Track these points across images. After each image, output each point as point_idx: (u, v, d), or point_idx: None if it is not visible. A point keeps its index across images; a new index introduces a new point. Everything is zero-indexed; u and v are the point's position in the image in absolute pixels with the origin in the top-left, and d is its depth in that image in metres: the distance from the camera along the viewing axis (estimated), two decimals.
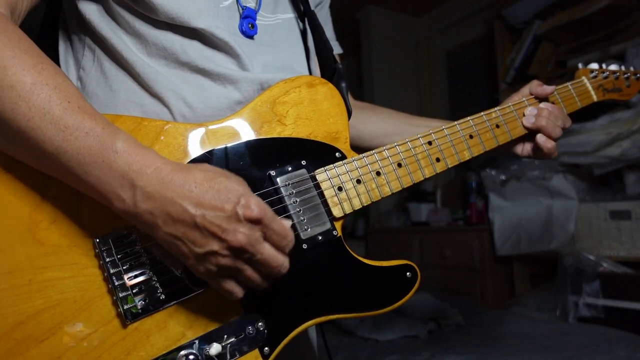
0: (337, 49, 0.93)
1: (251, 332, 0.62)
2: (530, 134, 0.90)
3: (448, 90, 4.16)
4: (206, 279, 0.57)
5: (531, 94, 0.93)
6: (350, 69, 4.61)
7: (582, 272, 2.28)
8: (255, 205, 0.53)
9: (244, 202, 0.53)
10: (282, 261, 0.57)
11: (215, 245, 0.53)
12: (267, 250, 0.55)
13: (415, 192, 3.60)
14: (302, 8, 0.84)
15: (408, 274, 0.71)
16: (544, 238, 2.60)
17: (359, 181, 0.72)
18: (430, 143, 0.79)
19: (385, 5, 4.04)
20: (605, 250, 2.40)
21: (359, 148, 0.97)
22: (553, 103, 0.92)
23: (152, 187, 0.53)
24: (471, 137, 0.83)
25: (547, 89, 0.91)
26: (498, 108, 0.88)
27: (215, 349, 0.60)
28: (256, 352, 0.62)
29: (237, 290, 0.58)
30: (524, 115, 0.89)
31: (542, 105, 0.90)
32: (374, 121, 0.98)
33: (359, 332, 2.42)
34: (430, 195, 3.57)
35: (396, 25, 4.20)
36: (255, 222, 0.54)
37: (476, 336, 2.22)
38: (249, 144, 0.68)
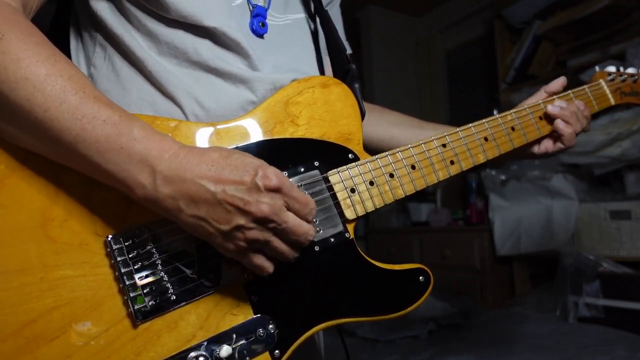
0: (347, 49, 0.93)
1: (262, 334, 0.62)
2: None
3: (448, 90, 4.16)
4: (237, 257, 0.58)
5: (546, 93, 0.93)
6: None
7: (582, 272, 2.28)
8: (273, 175, 0.54)
9: (262, 173, 0.54)
10: (307, 228, 0.57)
11: (240, 219, 0.54)
12: (292, 219, 0.56)
13: (415, 192, 3.59)
14: (313, 8, 0.84)
15: (421, 278, 0.70)
16: (544, 238, 2.61)
17: (372, 183, 0.71)
18: (444, 145, 0.79)
19: (385, 5, 4.04)
20: (605, 250, 2.41)
21: (366, 150, 0.96)
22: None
23: (171, 171, 0.53)
24: (486, 139, 0.82)
25: (559, 80, 0.93)
26: (514, 111, 0.88)
27: (225, 350, 0.59)
28: (266, 354, 0.62)
29: (268, 265, 0.58)
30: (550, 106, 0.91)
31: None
32: (382, 124, 0.98)
33: (360, 332, 2.42)
34: (430, 195, 3.58)
35: (396, 25, 4.19)
36: (275, 190, 0.54)
37: (476, 336, 2.22)
38: (261, 144, 0.67)
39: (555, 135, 0.91)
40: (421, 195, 3.58)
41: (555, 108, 0.89)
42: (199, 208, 0.53)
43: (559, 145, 0.92)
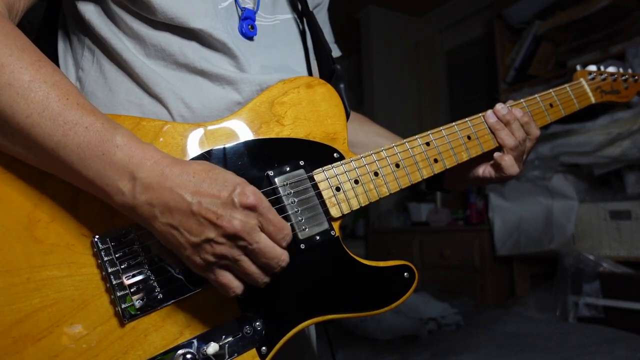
0: (335, 52, 0.93)
1: (249, 331, 0.62)
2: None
3: (448, 90, 4.16)
4: (203, 272, 0.57)
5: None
6: (350, 69, 4.61)
7: (582, 272, 2.28)
8: (251, 193, 0.54)
9: (239, 190, 0.54)
10: (279, 253, 0.56)
11: (210, 233, 0.53)
12: (264, 240, 0.55)
13: (415, 192, 3.60)
14: (300, 8, 0.84)
15: (406, 274, 0.71)
16: (544, 238, 2.60)
17: (357, 182, 0.72)
18: (428, 144, 0.79)
19: (385, 5, 4.05)
20: (605, 250, 2.40)
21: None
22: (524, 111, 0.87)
23: (152, 179, 0.53)
24: (469, 138, 0.83)
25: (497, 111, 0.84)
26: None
27: (212, 348, 0.60)
28: (253, 351, 0.62)
29: (236, 285, 0.57)
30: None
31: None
32: (358, 135, 0.95)
33: (359, 332, 2.42)
34: (430, 195, 3.58)
35: (396, 25, 4.20)
36: (250, 208, 0.54)
37: (476, 336, 2.22)
38: (247, 144, 0.68)
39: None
40: (421, 195, 3.59)
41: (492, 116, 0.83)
42: (173, 216, 0.54)
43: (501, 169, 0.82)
